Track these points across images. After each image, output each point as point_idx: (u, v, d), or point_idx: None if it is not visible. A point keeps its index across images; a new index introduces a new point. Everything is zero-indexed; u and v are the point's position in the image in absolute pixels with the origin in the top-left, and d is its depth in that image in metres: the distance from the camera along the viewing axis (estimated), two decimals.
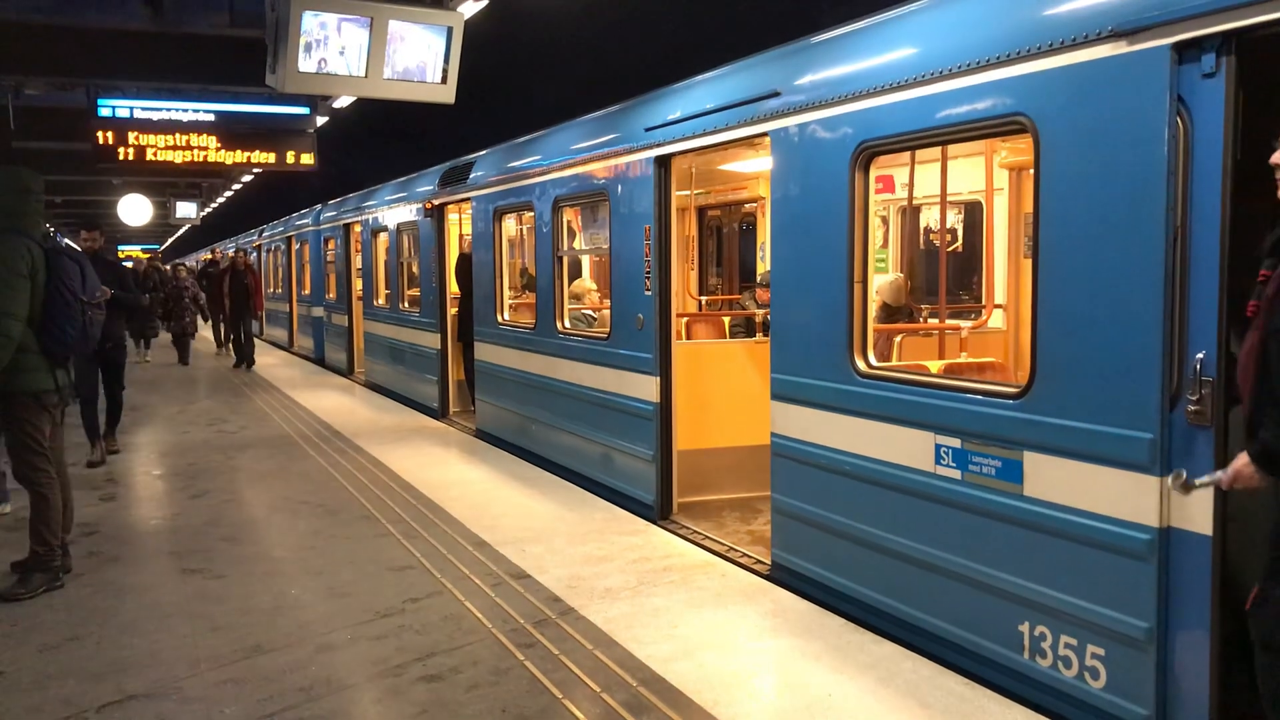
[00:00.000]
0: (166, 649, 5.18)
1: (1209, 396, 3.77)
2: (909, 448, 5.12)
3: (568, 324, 9.52)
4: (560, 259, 9.48)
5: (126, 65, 11.65)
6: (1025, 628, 4.49)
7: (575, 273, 12.04)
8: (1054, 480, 4.33)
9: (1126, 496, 4.02)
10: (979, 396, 4.75)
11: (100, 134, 12.52)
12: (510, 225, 11.65)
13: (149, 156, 12.81)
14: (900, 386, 5.25)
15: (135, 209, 25.05)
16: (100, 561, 6.74)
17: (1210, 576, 3.79)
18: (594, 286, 11.14)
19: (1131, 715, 4.03)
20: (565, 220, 9.91)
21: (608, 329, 8.49)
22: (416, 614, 5.62)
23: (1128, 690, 4.06)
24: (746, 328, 10.02)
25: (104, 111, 12.57)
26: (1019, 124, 4.49)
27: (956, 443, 4.83)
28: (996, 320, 7.65)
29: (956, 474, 4.83)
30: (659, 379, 7.62)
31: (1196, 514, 3.82)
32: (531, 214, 9.95)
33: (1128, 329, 4.00)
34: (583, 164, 8.73)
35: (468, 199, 11.73)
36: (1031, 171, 4.50)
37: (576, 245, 11.63)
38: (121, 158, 12.68)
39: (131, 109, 12.83)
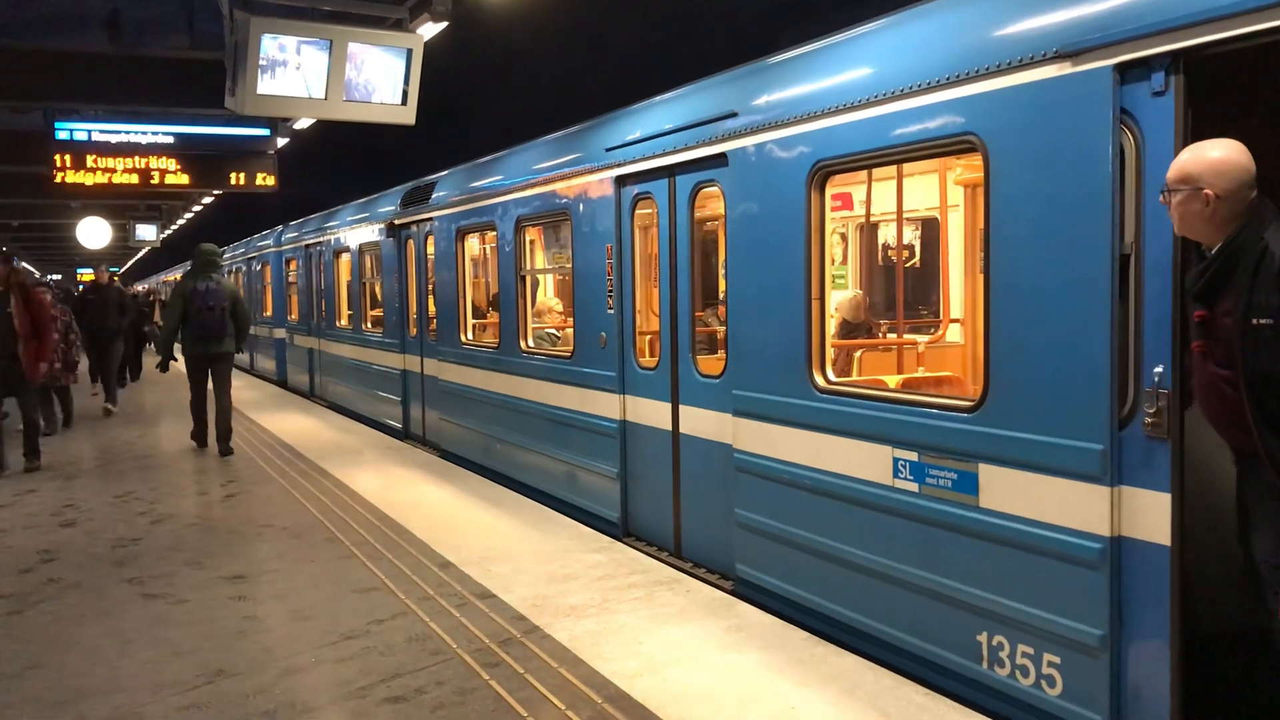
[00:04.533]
0: (128, 675, 5.15)
1: (1166, 409, 3.82)
2: (867, 461, 5.19)
3: (531, 343, 9.55)
4: (523, 278, 9.52)
5: (85, 88, 11.57)
6: (984, 637, 4.57)
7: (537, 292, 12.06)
8: (1008, 491, 4.41)
9: (1078, 506, 4.10)
10: (935, 410, 4.83)
11: (58, 157, 12.42)
12: (474, 245, 11.66)
13: (107, 179, 12.73)
14: (858, 401, 5.32)
15: (94, 232, 24.84)
16: (61, 588, 6.67)
17: (1169, 585, 3.85)
18: (558, 305, 11.18)
19: None
20: (528, 239, 9.95)
21: (571, 348, 8.53)
22: (381, 635, 5.61)
23: (1083, 697, 4.13)
24: (710, 345, 10.09)
25: (61, 134, 12.47)
26: (969, 143, 4.59)
27: (914, 456, 4.91)
28: (954, 334, 7.77)
29: (914, 487, 4.91)
30: (622, 397, 7.67)
31: (1145, 523, 3.91)
32: (494, 233, 9.98)
33: (1076, 342, 4.09)
34: (545, 184, 8.78)
35: (430, 219, 11.74)
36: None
37: (539, 264, 11.66)
38: (79, 180, 12.59)
39: (89, 131, 12.75)
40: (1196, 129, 3.78)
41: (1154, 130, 3.85)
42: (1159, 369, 3.84)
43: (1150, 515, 3.90)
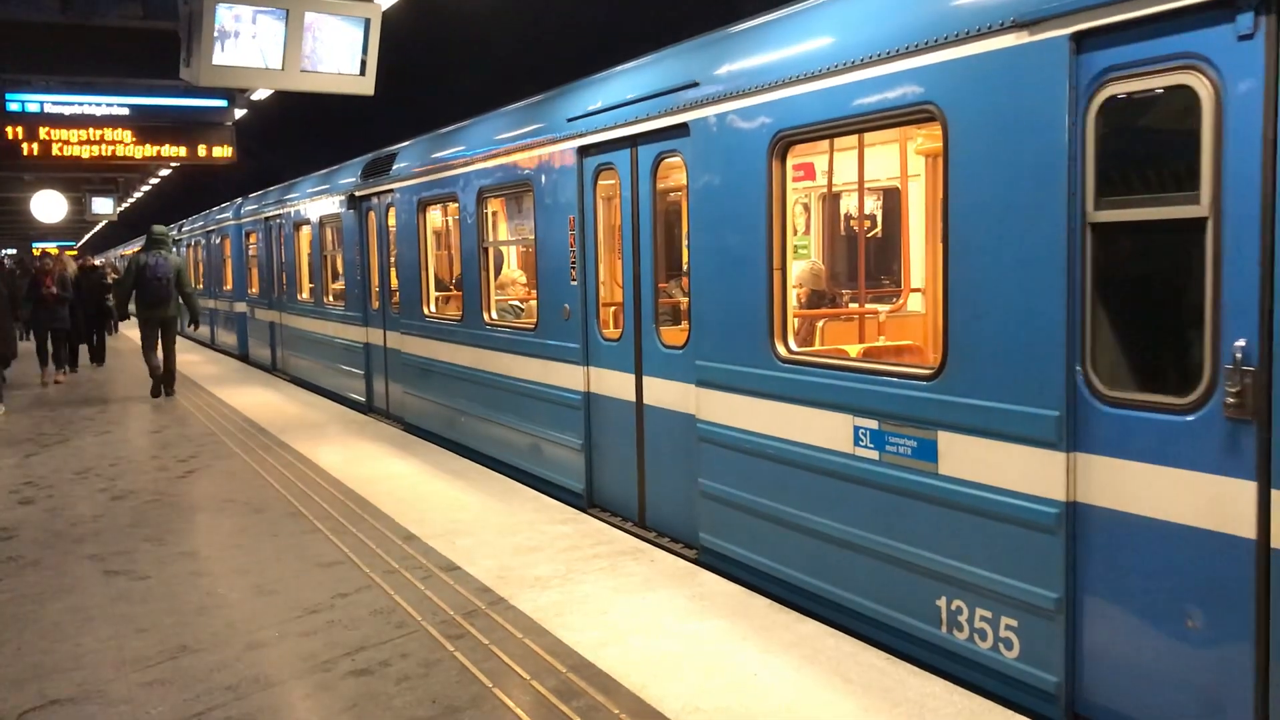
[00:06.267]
0: (90, 652, 5.12)
1: (1251, 387, 3.45)
2: (829, 430, 5.23)
3: (494, 315, 9.51)
4: (486, 250, 9.47)
5: (36, 59, 11.34)
6: (943, 602, 4.63)
7: (500, 263, 12.01)
8: (967, 458, 4.47)
9: (1035, 472, 4.16)
10: (895, 379, 4.87)
11: (9, 129, 12.20)
12: (436, 217, 11.58)
13: (60, 152, 12.53)
14: (819, 371, 5.36)
15: (48, 205, 24.48)
16: (20, 566, 6.60)
17: (1253, 584, 3.52)
18: (521, 277, 11.13)
19: (1042, 683, 4.18)
20: (490, 211, 9.89)
21: (535, 320, 8.51)
22: (345, 609, 5.61)
23: (1039, 659, 4.20)
24: (673, 316, 10.09)
25: (12, 106, 12.26)
26: (928, 112, 4.60)
27: (874, 424, 4.95)
28: (915, 304, 7.81)
29: (875, 455, 4.95)
30: (586, 368, 7.67)
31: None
32: (456, 205, 9.92)
33: (1033, 310, 4.13)
34: (506, 154, 8.72)
35: (391, 190, 11.64)
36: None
37: (502, 236, 11.60)
38: (31, 153, 12.39)
39: (42, 103, 12.54)
40: None
41: (1238, 77, 3.45)
42: (1242, 342, 3.48)
43: (1231, 505, 3.55)
